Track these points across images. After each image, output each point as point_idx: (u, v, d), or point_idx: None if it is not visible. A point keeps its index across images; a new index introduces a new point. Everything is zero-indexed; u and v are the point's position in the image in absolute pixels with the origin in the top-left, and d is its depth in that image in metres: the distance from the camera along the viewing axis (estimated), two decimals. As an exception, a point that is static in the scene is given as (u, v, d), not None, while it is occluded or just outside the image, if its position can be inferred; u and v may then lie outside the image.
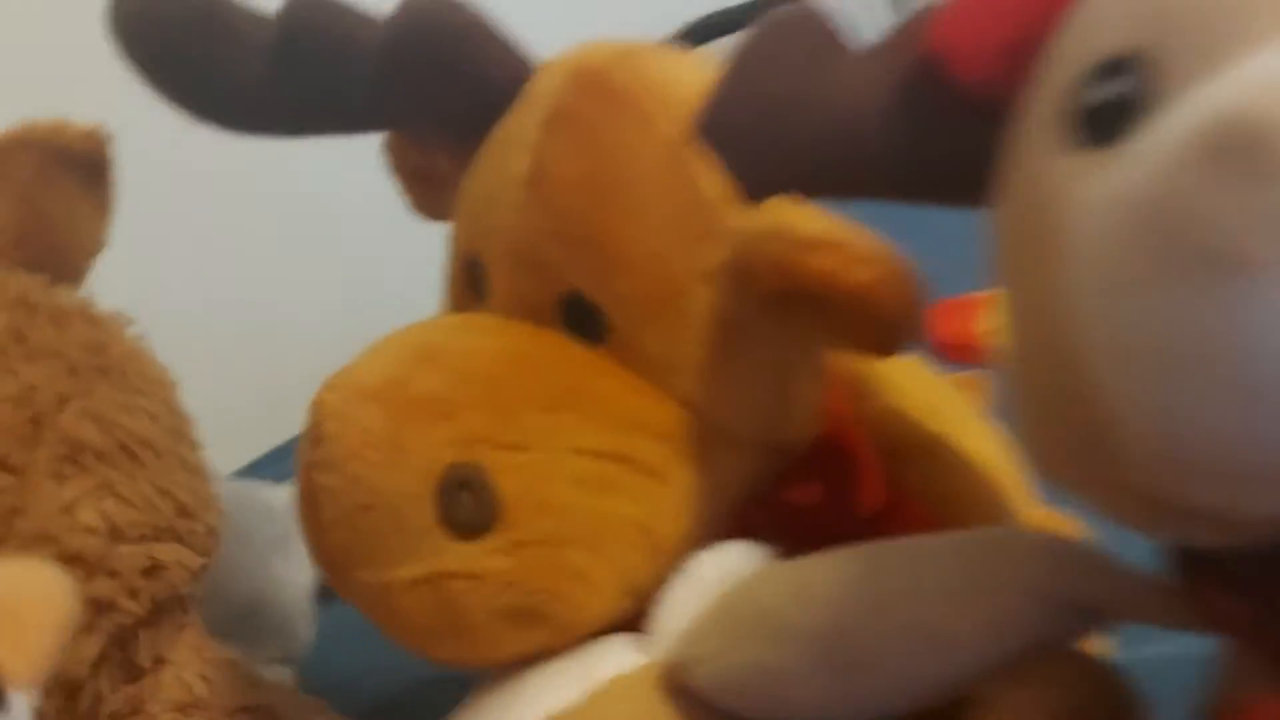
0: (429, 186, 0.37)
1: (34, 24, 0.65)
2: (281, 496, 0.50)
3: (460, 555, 0.29)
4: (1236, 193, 0.14)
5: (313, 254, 0.78)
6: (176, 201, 0.66)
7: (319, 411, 0.30)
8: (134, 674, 0.34)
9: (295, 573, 0.50)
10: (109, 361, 0.34)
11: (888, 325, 0.28)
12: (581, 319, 0.31)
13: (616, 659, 0.30)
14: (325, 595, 0.50)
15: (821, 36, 0.29)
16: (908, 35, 0.27)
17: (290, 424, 0.33)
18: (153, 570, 0.33)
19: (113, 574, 0.32)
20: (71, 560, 0.31)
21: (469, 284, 0.34)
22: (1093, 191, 0.17)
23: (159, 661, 0.35)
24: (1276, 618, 0.20)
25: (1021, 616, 0.24)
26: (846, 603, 0.26)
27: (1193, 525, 0.19)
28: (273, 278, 0.76)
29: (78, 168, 0.37)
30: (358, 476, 0.29)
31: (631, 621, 0.31)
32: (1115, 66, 0.18)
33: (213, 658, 0.37)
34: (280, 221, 0.77)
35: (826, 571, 0.27)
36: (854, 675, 0.25)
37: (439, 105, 0.35)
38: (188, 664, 0.35)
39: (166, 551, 0.34)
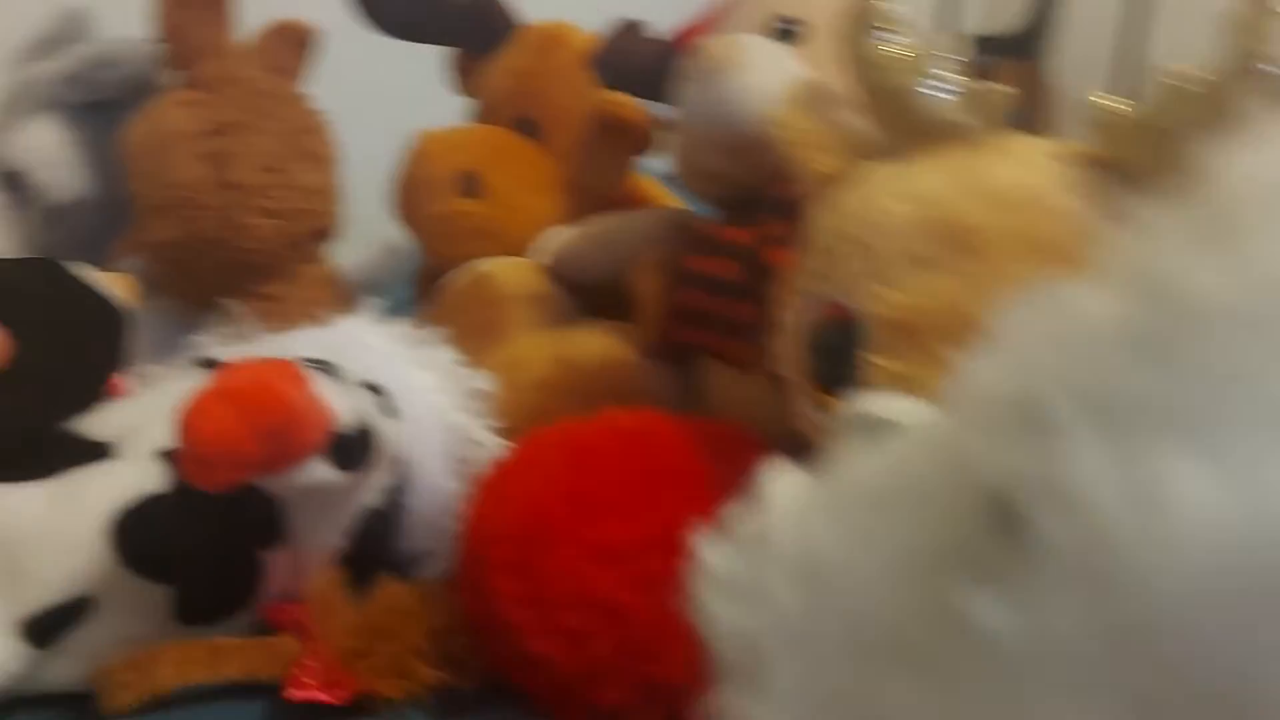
0: (466, 76, 0.82)
1: None
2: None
3: (464, 205, 0.73)
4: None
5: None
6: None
7: (418, 142, 0.73)
8: (310, 257, 0.76)
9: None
10: (321, 120, 0.77)
11: (640, 138, 0.72)
12: (530, 129, 0.76)
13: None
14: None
15: (636, 30, 0.75)
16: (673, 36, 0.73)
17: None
18: (313, 213, 0.76)
19: (310, 205, 0.75)
20: (302, 192, 0.74)
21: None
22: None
23: (319, 259, 0.77)
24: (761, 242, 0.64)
25: (662, 229, 0.68)
26: (610, 223, 0.70)
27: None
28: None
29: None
30: (425, 171, 0.73)
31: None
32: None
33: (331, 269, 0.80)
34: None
35: (611, 219, 0.71)
36: (610, 250, 0.69)
37: (478, 39, 0.80)
38: (324, 261, 0.78)
39: (324, 206, 0.77)
